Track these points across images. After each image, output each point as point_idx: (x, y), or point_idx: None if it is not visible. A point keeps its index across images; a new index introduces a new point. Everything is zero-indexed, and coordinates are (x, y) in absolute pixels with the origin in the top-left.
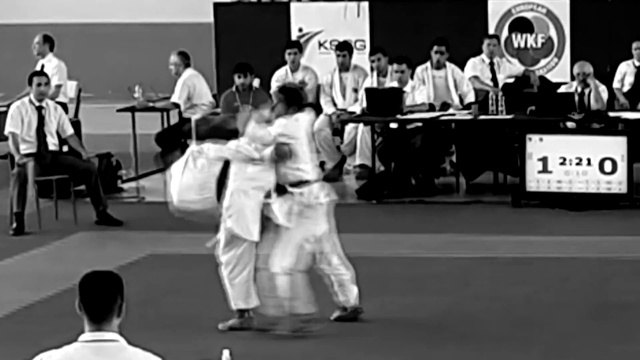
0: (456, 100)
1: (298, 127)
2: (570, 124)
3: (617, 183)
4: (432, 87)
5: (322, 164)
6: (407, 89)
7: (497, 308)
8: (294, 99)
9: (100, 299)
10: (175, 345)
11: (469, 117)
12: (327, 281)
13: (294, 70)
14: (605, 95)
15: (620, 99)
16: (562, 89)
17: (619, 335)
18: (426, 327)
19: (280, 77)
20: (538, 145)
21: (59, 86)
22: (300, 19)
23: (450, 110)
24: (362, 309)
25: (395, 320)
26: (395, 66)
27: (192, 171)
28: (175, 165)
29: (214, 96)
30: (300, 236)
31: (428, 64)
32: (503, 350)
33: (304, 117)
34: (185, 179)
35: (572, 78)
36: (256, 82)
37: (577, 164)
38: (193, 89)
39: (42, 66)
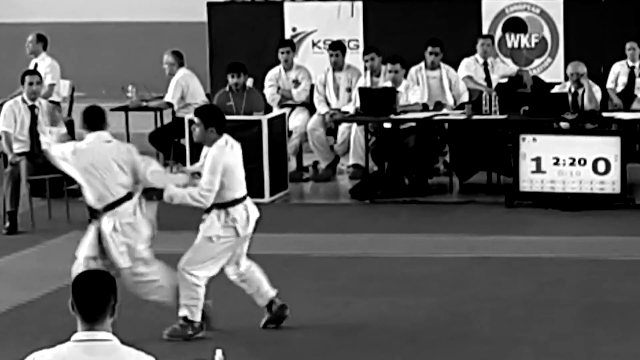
0: (450, 101)
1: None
2: (563, 124)
3: (611, 183)
4: (427, 88)
5: (315, 164)
6: (400, 88)
7: (491, 308)
8: (213, 119)
9: (93, 298)
10: (169, 345)
11: (463, 117)
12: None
13: (287, 69)
14: (598, 95)
15: (613, 99)
16: (555, 89)
17: (613, 336)
18: (420, 327)
19: (273, 76)
20: (531, 146)
21: (52, 85)
22: (294, 18)
23: (444, 110)
24: (284, 305)
25: (388, 320)
26: (389, 66)
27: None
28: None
29: (207, 96)
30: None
31: (422, 64)
32: (497, 350)
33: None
34: (103, 149)
35: (566, 78)
36: (249, 82)
37: (571, 164)
38: (186, 89)
39: (36, 65)
